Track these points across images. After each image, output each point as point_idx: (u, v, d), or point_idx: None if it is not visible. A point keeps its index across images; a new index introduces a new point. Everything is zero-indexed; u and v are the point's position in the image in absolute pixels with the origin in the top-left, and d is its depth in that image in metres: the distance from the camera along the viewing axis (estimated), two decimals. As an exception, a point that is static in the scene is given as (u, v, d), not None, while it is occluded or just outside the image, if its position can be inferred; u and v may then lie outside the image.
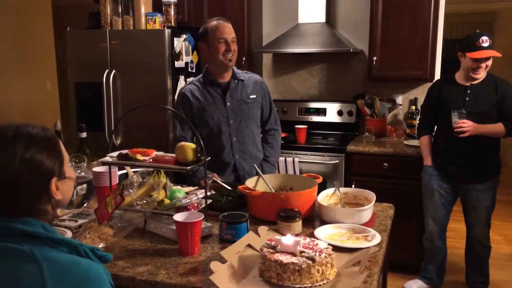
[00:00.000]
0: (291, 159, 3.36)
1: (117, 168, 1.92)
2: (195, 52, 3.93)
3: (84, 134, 2.09)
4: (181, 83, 3.73)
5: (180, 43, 3.69)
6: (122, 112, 3.70)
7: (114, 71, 3.66)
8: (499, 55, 2.66)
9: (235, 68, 2.47)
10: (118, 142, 3.72)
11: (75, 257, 1.02)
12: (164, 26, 3.67)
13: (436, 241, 3.03)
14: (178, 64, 3.70)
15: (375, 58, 3.50)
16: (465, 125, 2.67)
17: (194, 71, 3.92)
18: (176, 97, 2.51)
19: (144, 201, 1.59)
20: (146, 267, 1.41)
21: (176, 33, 3.65)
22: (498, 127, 2.71)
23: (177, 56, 3.67)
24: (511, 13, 7.52)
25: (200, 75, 2.48)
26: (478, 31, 2.73)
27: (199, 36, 2.44)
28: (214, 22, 2.37)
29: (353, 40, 3.82)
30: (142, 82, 3.61)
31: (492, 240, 3.11)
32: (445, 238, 3.08)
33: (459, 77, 2.85)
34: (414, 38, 3.41)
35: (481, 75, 2.75)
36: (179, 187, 1.99)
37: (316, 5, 3.73)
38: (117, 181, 1.91)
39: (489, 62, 2.72)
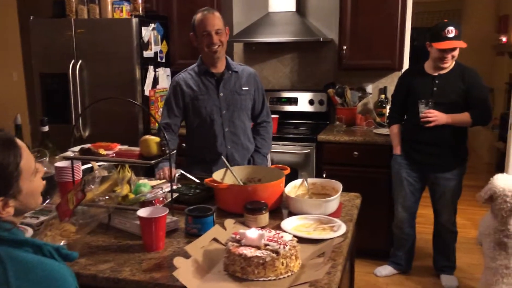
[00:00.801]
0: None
1: (80, 163, 1.88)
2: (164, 42, 3.86)
3: (46, 128, 2.03)
4: (151, 73, 3.67)
5: (148, 32, 3.62)
6: (89, 103, 3.61)
7: (80, 61, 3.56)
8: (463, 45, 2.69)
9: (229, 59, 2.46)
10: (87, 134, 3.65)
11: (41, 257, 1.02)
12: (131, 15, 3.59)
13: (405, 228, 3.09)
14: (147, 54, 3.63)
15: (345, 47, 3.51)
16: (431, 115, 2.71)
17: (163, 61, 3.86)
18: (170, 84, 2.48)
19: (107, 197, 1.55)
20: (109, 264, 1.39)
21: (144, 22, 3.58)
22: (464, 117, 2.75)
23: (145, 45, 3.60)
24: (479, 1, 7.65)
25: (195, 64, 2.46)
26: (446, 20, 2.75)
27: (191, 27, 2.40)
28: (199, 14, 2.33)
29: (324, 29, 3.82)
30: (109, 73, 3.54)
31: (460, 224, 3.19)
32: (414, 225, 3.14)
33: (428, 66, 2.87)
34: (383, 27, 3.42)
35: (448, 64, 2.77)
36: (145, 180, 1.96)
37: (287, -6, 3.71)
38: (81, 176, 1.87)
39: (456, 53, 2.73)
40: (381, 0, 3.40)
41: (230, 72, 2.44)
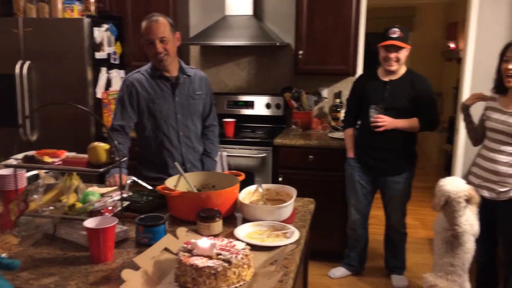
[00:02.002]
0: (219, 153, 3.33)
1: (24, 171, 1.79)
2: (118, 43, 3.77)
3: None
4: (103, 74, 3.57)
5: (101, 33, 3.52)
6: (37, 107, 3.47)
7: (28, 62, 3.42)
8: (404, 46, 2.74)
9: (182, 62, 2.43)
10: (34, 138, 3.50)
11: None
12: (83, 15, 3.48)
13: (358, 229, 3.15)
14: (100, 55, 3.53)
15: (301, 52, 3.55)
16: (380, 120, 2.78)
17: (117, 62, 3.77)
18: (121, 84, 2.43)
19: (53, 207, 1.49)
20: (53, 278, 1.33)
21: (96, 22, 3.47)
22: (413, 122, 2.83)
23: (97, 46, 3.50)
24: (430, 8, 7.95)
25: (147, 66, 2.40)
26: (396, 25, 2.83)
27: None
28: (144, 22, 2.28)
29: (280, 33, 3.84)
30: (60, 74, 3.42)
31: (410, 225, 3.29)
32: (366, 227, 3.21)
33: (380, 72, 2.94)
34: (337, 32, 3.48)
35: (394, 67, 2.80)
36: (95, 188, 1.90)
37: (243, -3, 3.71)
38: (25, 185, 1.78)
39: (400, 55, 2.77)
40: (336, 6, 3.45)
41: (184, 76, 2.41)
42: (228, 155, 3.39)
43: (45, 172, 1.89)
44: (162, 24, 2.26)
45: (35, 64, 3.43)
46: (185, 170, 2.40)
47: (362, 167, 3.01)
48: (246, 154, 3.39)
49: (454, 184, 2.36)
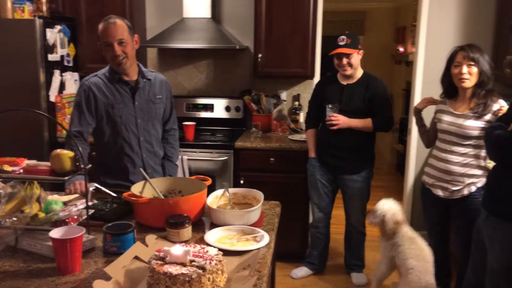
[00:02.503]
0: (180, 157, 3.30)
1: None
2: (72, 45, 3.65)
3: None
4: (57, 77, 3.45)
5: (54, 34, 3.40)
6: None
7: (-25, 64, 3.24)
8: (350, 52, 2.86)
9: (141, 66, 2.38)
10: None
11: None
12: (34, 16, 3.34)
13: (320, 228, 3.23)
14: (52, 57, 3.41)
15: (260, 55, 3.58)
16: (334, 118, 2.89)
17: (71, 64, 3.65)
18: (78, 88, 2.34)
19: (15, 218, 1.42)
20: (18, 292, 1.27)
21: (49, 23, 3.35)
22: (366, 122, 2.95)
23: (50, 48, 3.38)
24: (380, 13, 8.23)
25: (105, 70, 2.34)
26: (346, 32, 2.97)
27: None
28: (101, 24, 2.22)
29: (239, 36, 3.85)
30: (10, 77, 3.27)
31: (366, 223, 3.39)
32: (329, 226, 3.29)
33: (339, 76, 3.05)
34: (295, 36, 3.54)
35: (348, 72, 2.93)
36: (56, 196, 1.84)
37: (201, 0, 3.69)
38: (-19, 194, 1.69)
39: (352, 60, 2.90)
40: (293, 10, 3.51)
41: (144, 80, 2.37)
42: (188, 159, 3.36)
43: (1, 181, 1.81)
44: (120, 26, 2.21)
45: (-17, 66, 3.26)
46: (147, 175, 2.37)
47: (322, 166, 3.10)
48: (207, 158, 3.38)
49: (390, 206, 2.61)
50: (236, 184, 3.33)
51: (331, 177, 3.11)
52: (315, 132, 3.17)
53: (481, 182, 2.47)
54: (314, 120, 3.16)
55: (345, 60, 2.89)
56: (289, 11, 3.52)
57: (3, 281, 1.33)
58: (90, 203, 1.68)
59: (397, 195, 4.69)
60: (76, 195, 1.96)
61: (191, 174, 3.34)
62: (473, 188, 2.47)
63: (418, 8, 3.74)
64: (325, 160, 3.09)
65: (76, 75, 3.69)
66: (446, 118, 2.56)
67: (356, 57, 2.91)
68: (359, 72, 3.01)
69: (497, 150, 1.95)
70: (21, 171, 1.53)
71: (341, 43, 2.88)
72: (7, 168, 1.50)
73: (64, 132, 3.46)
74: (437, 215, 2.68)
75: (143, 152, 2.38)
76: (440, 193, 2.57)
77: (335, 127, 2.90)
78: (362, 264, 3.32)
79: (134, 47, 2.29)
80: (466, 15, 3.62)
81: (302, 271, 3.33)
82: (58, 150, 1.55)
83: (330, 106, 2.92)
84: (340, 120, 2.89)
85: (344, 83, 3.01)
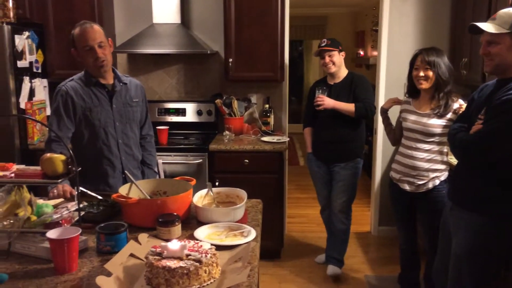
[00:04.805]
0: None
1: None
2: (39, 51, 3.61)
3: None
4: (26, 84, 3.41)
5: (22, 41, 3.36)
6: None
7: None
8: (330, 49, 3.18)
9: (117, 71, 2.42)
10: (-50, 152, 3.24)
11: None
12: (2, 22, 3.30)
13: (325, 215, 3.50)
14: (21, 63, 3.37)
15: (230, 59, 3.66)
16: (320, 99, 3.15)
17: (40, 71, 3.61)
18: (55, 94, 2.33)
19: (11, 221, 1.45)
20: (19, 293, 1.31)
21: (17, 29, 3.31)
22: (349, 106, 3.17)
23: (19, 55, 3.34)
24: (340, 18, 8.51)
25: (81, 74, 2.36)
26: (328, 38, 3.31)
27: (70, 43, 2.28)
28: (77, 29, 2.24)
29: (209, 41, 3.93)
30: (-22, 84, 3.20)
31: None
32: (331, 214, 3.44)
33: (328, 77, 3.35)
34: (264, 41, 3.65)
35: (332, 69, 3.23)
36: (41, 201, 1.86)
37: (170, 6, 3.74)
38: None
39: (334, 58, 3.20)
40: (262, 16, 3.62)
41: (120, 84, 2.41)
42: (163, 163, 3.40)
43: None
44: (98, 30, 2.27)
45: None
46: (125, 179, 2.41)
47: (317, 159, 3.38)
48: (182, 161, 3.43)
49: None
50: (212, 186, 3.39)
51: (325, 168, 3.36)
52: (311, 130, 3.41)
53: (444, 175, 2.65)
54: (310, 119, 3.39)
55: (327, 58, 3.20)
56: (257, 17, 3.62)
57: (2, 284, 1.35)
58: (82, 206, 1.71)
59: (364, 193, 4.91)
60: (61, 199, 1.98)
61: (166, 177, 3.37)
62: (437, 182, 2.65)
63: (379, 13, 3.94)
64: (319, 153, 3.36)
65: (45, 82, 3.65)
66: (411, 117, 2.72)
67: (338, 56, 3.21)
68: (344, 72, 3.29)
69: (461, 153, 2.09)
70: (13, 175, 1.55)
71: (322, 44, 3.22)
72: (-2, 173, 1.52)
73: (36, 138, 3.43)
74: (404, 208, 2.85)
75: (122, 155, 2.42)
76: (406, 187, 2.73)
77: (321, 108, 3.15)
78: (341, 259, 3.42)
79: (110, 50, 2.33)
80: (424, 19, 3.85)
81: (324, 257, 3.56)
82: (49, 154, 1.58)
83: (319, 89, 3.19)
84: (324, 100, 3.13)
85: (331, 82, 3.29)
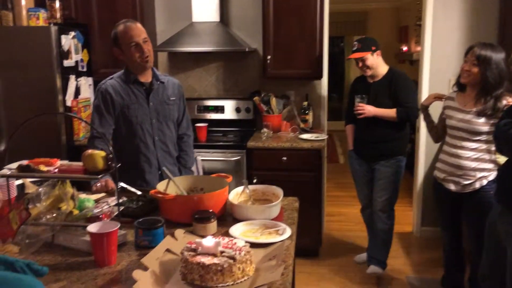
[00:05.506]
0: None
1: (14, 180, 1.78)
2: (85, 51, 3.73)
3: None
4: (72, 82, 3.53)
5: (68, 41, 3.48)
6: (6, 115, 3.39)
7: (-7, 71, 3.33)
8: (361, 55, 3.07)
9: (155, 69, 2.46)
10: (2, 148, 3.41)
11: (16, 274, 0.99)
12: (49, 23, 3.43)
13: (366, 215, 3.43)
14: (67, 63, 3.49)
15: (269, 57, 3.66)
16: (360, 108, 3.09)
17: (85, 69, 3.73)
18: (96, 91, 2.42)
19: (54, 214, 1.50)
20: (61, 283, 1.35)
21: (63, 30, 3.44)
22: (390, 112, 3.08)
23: (65, 54, 3.47)
24: (381, 13, 8.31)
25: (120, 72, 2.42)
26: (362, 37, 3.26)
27: (111, 42, 2.35)
28: (121, 26, 2.31)
29: (247, 39, 3.93)
30: (28, 83, 3.35)
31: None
32: (372, 214, 3.35)
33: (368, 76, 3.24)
34: (303, 37, 3.61)
35: (368, 73, 3.14)
36: (85, 195, 1.92)
37: (209, 4, 3.77)
38: (15, 194, 1.78)
39: (368, 62, 3.09)
40: (301, 12, 3.59)
41: (158, 82, 2.45)
42: (202, 160, 3.44)
43: (31, 182, 1.89)
44: (140, 27, 2.34)
45: (0, 73, 3.34)
46: (161, 176, 2.44)
47: (358, 157, 3.32)
48: (220, 158, 3.46)
49: None
50: (249, 183, 3.40)
51: (367, 167, 3.29)
52: (353, 127, 3.34)
53: (492, 175, 2.53)
54: (351, 116, 3.29)
55: (360, 63, 3.12)
56: (296, 13, 3.60)
57: (42, 277, 1.40)
58: (121, 201, 1.76)
59: (406, 192, 4.78)
60: (103, 194, 2.04)
61: (204, 174, 3.41)
62: (485, 182, 2.53)
63: (422, 7, 3.81)
64: (360, 151, 3.30)
65: (90, 80, 3.77)
66: (455, 114, 2.62)
67: (371, 59, 3.10)
68: (383, 70, 3.16)
69: None
70: (56, 170, 1.61)
71: (354, 49, 3.13)
72: (43, 168, 1.58)
73: (81, 135, 3.55)
74: (449, 209, 2.75)
75: (158, 151, 2.46)
76: (452, 187, 2.63)
77: (361, 116, 3.09)
78: (383, 260, 3.31)
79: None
80: (471, 12, 3.69)
81: (364, 257, 3.51)
82: (90, 150, 1.63)
83: (358, 96, 3.12)
84: (365, 109, 3.06)
85: (371, 81, 3.20)
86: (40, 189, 1.55)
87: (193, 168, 3.27)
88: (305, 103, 3.90)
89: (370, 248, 3.41)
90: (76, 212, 1.63)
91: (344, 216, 4.48)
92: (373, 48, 3.09)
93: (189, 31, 3.76)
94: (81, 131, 3.57)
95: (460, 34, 3.72)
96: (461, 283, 2.90)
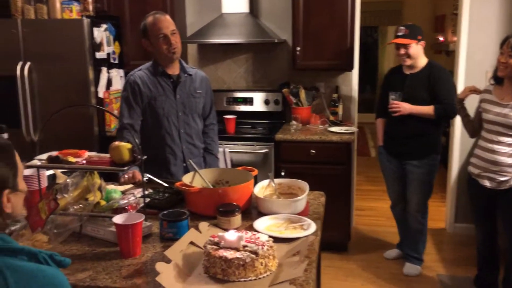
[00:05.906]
0: (222, 149, 3.38)
1: (45, 170, 1.83)
2: (117, 43, 3.79)
3: (6, 136, 1.95)
4: (104, 74, 3.59)
5: (100, 33, 3.54)
6: (40, 107, 3.49)
7: (29, 63, 3.43)
8: (406, 42, 2.91)
9: (183, 62, 2.48)
10: (36, 138, 3.51)
11: (39, 265, 1.02)
12: (82, 15, 3.50)
13: (397, 211, 3.35)
14: (100, 55, 3.55)
15: (298, 48, 3.61)
16: (395, 106, 2.96)
17: (117, 61, 3.79)
18: (124, 83, 2.46)
19: (81, 205, 1.53)
20: (87, 273, 1.38)
21: (95, 22, 3.49)
22: (428, 109, 2.94)
23: (97, 46, 3.52)
24: (417, 2, 8.06)
25: (148, 64, 2.45)
26: (409, 23, 3.07)
27: (140, 33, 2.38)
28: (150, 18, 2.33)
29: (277, 30, 3.89)
30: (61, 75, 3.43)
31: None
32: (403, 209, 3.27)
33: (404, 66, 3.08)
34: (333, 28, 3.54)
35: (407, 63, 2.97)
36: (113, 186, 1.95)
37: (239, -5, 3.75)
38: (46, 184, 1.82)
39: (411, 51, 2.93)
40: (331, 2, 3.52)
41: (185, 75, 2.46)
42: (230, 151, 3.45)
43: (61, 173, 1.94)
44: (169, 19, 2.35)
45: (35, 65, 3.44)
46: (186, 168, 2.46)
47: (388, 153, 3.21)
48: (248, 150, 3.46)
49: None
50: (277, 176, 3.37)
51: (397, 163, 3.18)
52: (384, 121, 3.23)
53: (529, 172, 2.43)
54: (382, 109, 3.18)
55: (402, 50, 2.95)
56: (327, 3, 3.53)
57: (72, 263, 1.42)
58: (147, 192, 1.77)
59: (440, 187, 4.65)
60: (130, 185, 2.07)
61: (233, 166, 3.42)
62: (521, 178, 2.43)
63: (459, -4, 3.67)
64: (391, 148, 3.19)
65: (121, 72, 3.83)
66: (492, 108, 2.52)
67: (415, 48, 2.94)
68: (422, 62, 3.02)
69: None
70: (84, 162, 1.64)
71: (399, 34, 2.94)
72: (71, 159, 1.61)
73: (113, 126, 3.62)
74: (484, 206, 2.65)
75: (183, 144, 2.47)
76: (487, 183, 2.54)
77: (396, 114, 2.97)
78: (418, 257, 3.25)
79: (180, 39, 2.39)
80: (510, 1, 3.52)
81: (394, 253, 3.45)
82: (117, 143, 1.65)
83: (392, 93, 2.99)
84: (401, 107, 2.95)
85: (407, 72, 3.05)
86: (68, 180, 1.59)
87: (221, 160, 3.29)
88: (335, 95, 3.84)
89: (404, 245, 3.34)
90: (103, 203, 1.65)
91: (374, 211, 4.40)
92: (419, 37, 2.95)
93: (218, 23, 3.75)
94: (113, 122, 3.64)
95: (497, 23, 3.56)
96: (495, 282, 2.80)
